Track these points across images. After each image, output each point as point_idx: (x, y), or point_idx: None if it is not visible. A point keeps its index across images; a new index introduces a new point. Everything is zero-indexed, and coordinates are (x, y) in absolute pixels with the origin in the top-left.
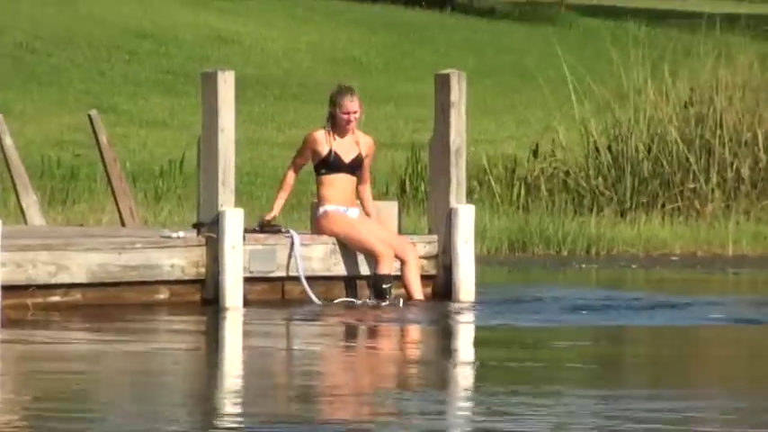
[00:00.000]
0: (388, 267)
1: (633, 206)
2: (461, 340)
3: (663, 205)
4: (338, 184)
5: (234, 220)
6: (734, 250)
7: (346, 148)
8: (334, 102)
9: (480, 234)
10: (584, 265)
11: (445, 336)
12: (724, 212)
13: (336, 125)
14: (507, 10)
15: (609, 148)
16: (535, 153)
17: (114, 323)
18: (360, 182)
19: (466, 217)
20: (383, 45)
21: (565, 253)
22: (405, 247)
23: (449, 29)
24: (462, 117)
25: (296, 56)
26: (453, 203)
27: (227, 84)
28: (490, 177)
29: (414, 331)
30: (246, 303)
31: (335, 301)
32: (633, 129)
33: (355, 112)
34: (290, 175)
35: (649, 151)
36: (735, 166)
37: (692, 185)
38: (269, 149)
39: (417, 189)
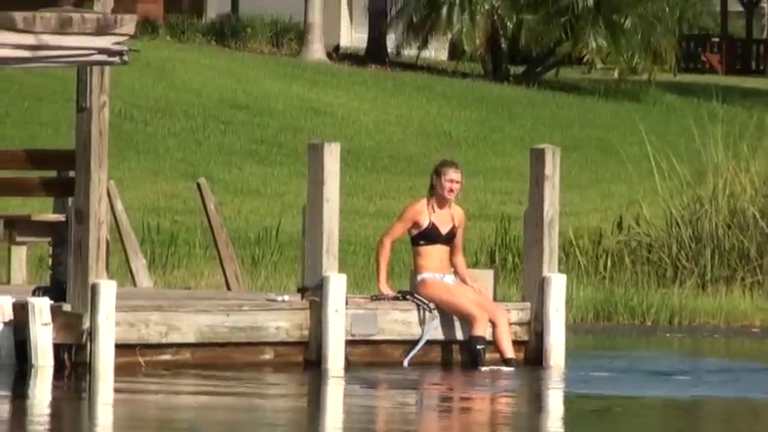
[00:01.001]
0: (483, 329)
1: (714, 279)
2: (552, 407)
3: (743, 279)
4: (434, 254)
5: (337, 285)
6: None
7: (443, 220)
8: (438, 172)
9: (567, 303)
10: (667, 335)
11: (536, 402)
12: None
13: (437, 195)
14: (593, 86)
15: (690, 222)
16: (619, 226)
17: (223, 380)
18: (453, 252)
19: (558, 286)
20: (472, 119)
21: (649, 323)
22: (496, 311)
23: (536, 104)
24: (556, 190)
25: (386, 128)
26: (546, 272)
27: (332, 155)
28: (576, 249)
29: (507, 397)
30: (348, 365)
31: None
32: (713, 204)
33: (458, 182)
34: (389, 245)
35: (729, 226)
36: None
37: None
38: (360, 219)
39: (506, 259)
